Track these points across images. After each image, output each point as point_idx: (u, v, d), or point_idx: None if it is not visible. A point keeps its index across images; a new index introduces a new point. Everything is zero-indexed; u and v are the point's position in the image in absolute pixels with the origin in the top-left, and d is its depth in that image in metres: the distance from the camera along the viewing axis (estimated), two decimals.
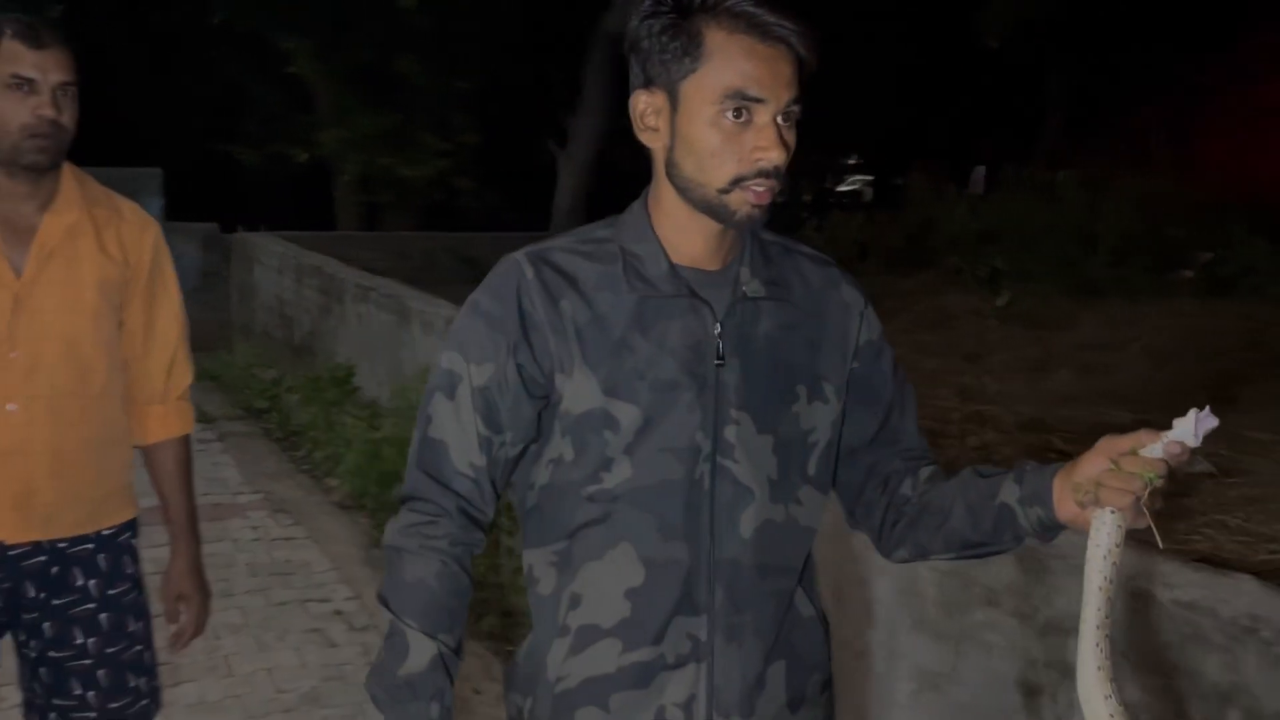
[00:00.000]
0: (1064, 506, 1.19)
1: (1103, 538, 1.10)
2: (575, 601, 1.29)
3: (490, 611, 4.02)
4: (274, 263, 7.78)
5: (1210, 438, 3.63)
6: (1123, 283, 6.78)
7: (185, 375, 2.13)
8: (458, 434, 1.27)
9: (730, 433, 1.27)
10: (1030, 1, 8.90)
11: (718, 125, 1.19)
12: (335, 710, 3.33)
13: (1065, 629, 2.19)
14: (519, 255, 1.29)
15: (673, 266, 1.28)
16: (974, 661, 2.40)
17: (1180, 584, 2.05)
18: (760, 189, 1.21)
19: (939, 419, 4.15)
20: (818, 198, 17.32)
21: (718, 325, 1.27)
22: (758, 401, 1.28)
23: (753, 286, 1.30)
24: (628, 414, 1.24)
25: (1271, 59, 14.54)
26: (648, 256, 1.28)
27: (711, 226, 1.26)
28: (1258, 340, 5.24)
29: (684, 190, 1.24)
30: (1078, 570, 2.10)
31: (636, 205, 1.33)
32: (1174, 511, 3.18)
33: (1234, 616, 1.91)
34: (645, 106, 1.25)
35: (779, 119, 1.20)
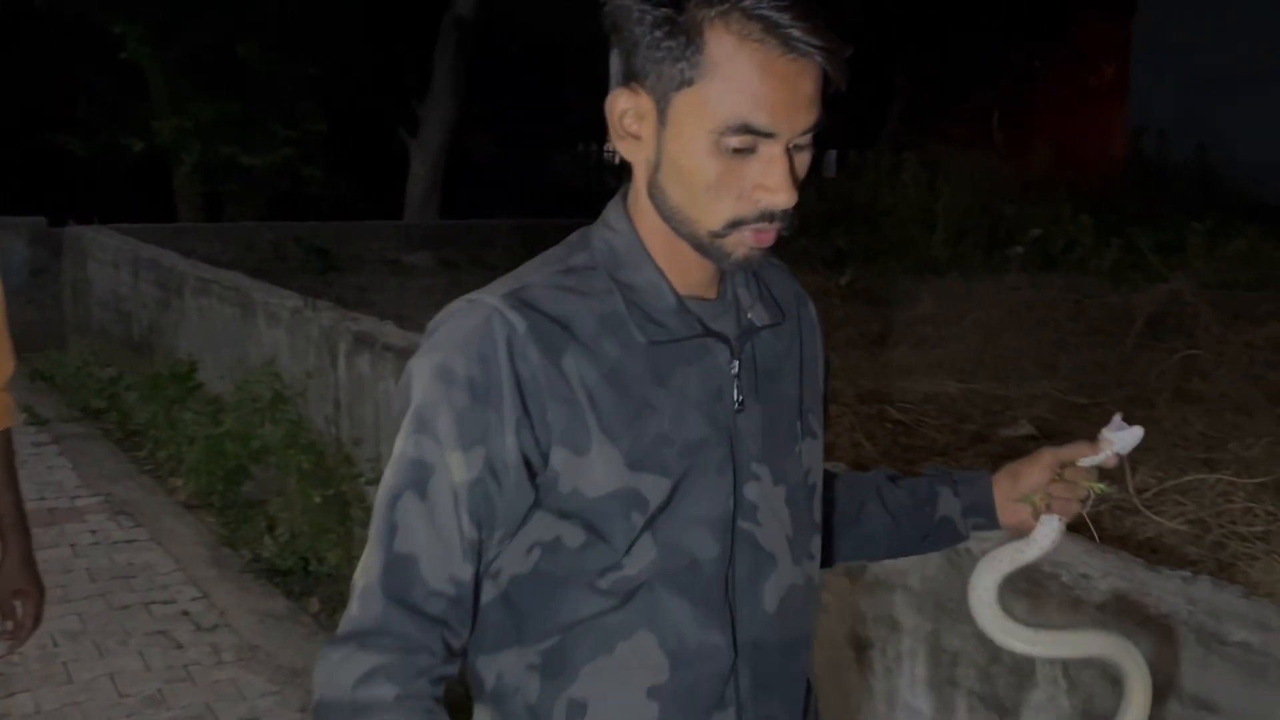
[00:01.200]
0: (1007, 514, 1.25)
1: (1047, 541, 1.20)
2: (578, 710, 1.05)
3: (344, 604, 3.97)
4: (109, 257, 7.45)
5: (1032, 402, 3.83)
6: (960, 260, 7.08)
7: (6, 366, 2.04)
8: (433, 544, 0.98)
9: (752, 490, 1.08)
10: None
11: (715, 155, 0.97)
12: (181, 711, 3.25)
13: (890, 586, 2.31)
14: (493, 300, 1.00)
15: (680, 300, 1.05)
16: None
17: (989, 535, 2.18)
18: (763, 231, 1.00)
19: None
20: None
21: (735, 363, 1.08)
22: (772, 449, 1.10)
23: (756, 312, 1.11)
24: (656, 488, 1.02)
25: (1096, 47, 15.39)
26: (648, 289, 1.05)
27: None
28: (1079, 311, 5.55)
29: (669, 219, 1.03)
30: None
31: (618, 220, 1.07)
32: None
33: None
34: (626, 108, 1.01)
35: (791, 147, 0.98)
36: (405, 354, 4.06)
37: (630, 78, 1.00)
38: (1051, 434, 3.77)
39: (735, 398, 1.07)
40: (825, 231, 7.73)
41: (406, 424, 1.00)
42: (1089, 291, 5.79)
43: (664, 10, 0.96)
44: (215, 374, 5.60)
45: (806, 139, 0.99)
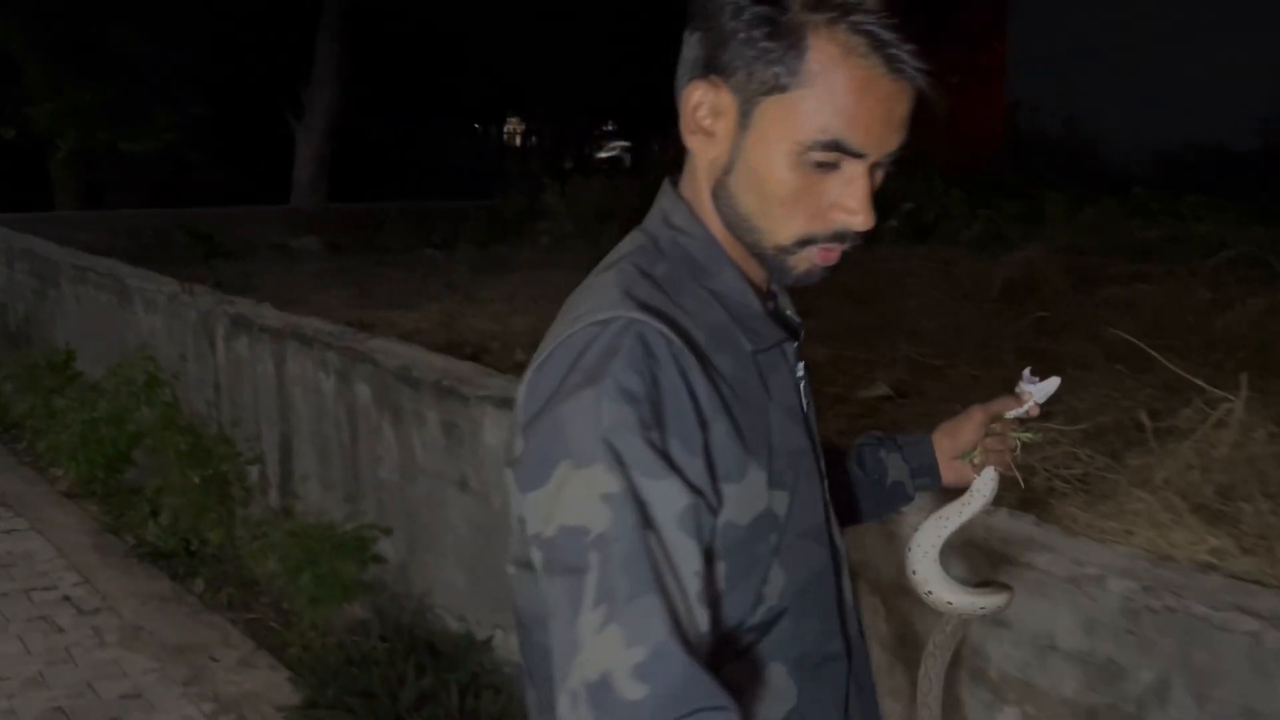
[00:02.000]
0: (949, 473, 1.29)
1: (987, 491, 1.27)
2: None
3: (228, 582, 4.02)
4: None
5: (892, 365, 4.07)
6: None
7: None
8: (672, 590, 0.82)
9: (826, 489, 1.06)
10: None
11: (796, 168, 0.92)
12: (62, 690, 3.28)
13: None
14: (636, 315, 0.90)
15: (763, 304, 1.01)
16: None
17: None
18: (831, 250, 0.97)
19: None
20: (578, 164, 17.59)
21: (800, 365, 1.05)
22: (819, 444, 1.08)
23: (794, 312, 1.11)
24: (782, 505, 0.97)
25: (976, 26, 15.87)
26: (736, 295, 0.99)
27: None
28: (946, 278, 5.82)
29: (734, 224, 0.97)
30: None
31: (687, 222, 0.99)
32: (857, 429, 3.56)
33: None
34: (702, 101, 0.95)
35: (874, 169, 0.94)
36: (283, 335, 4.11)
37: (712, 70, 0.93)
38: (907, 394, 3.99)
39: (806, 400, 1.05)
40: None
41: (592, 465, 0.84)
42: (954, 260, 6.06)
43: (766, 8, 0.90)
44: (93, 362, 5.54)
45: (889, 159, 0.95)
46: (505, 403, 3.13)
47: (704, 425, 0.89)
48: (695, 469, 0.87)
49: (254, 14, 10.84)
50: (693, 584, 0.83)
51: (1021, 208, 6.84)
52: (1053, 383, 1.23)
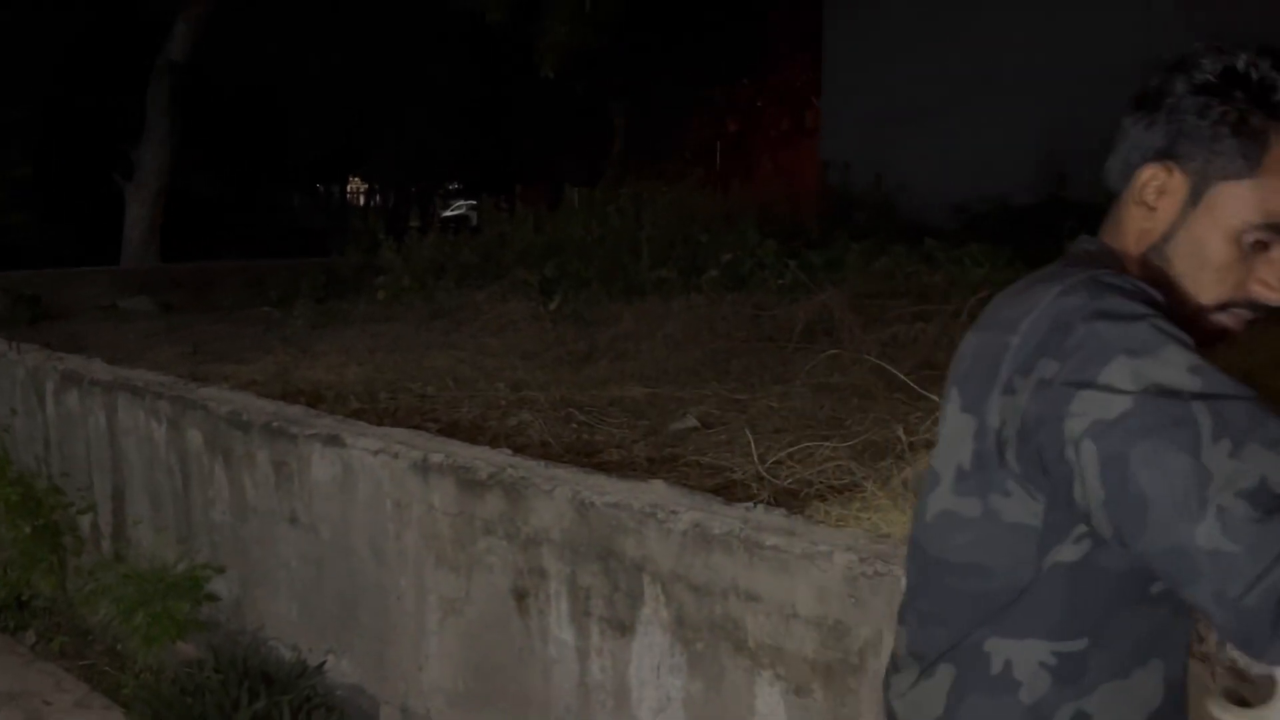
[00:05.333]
0: None
1: None
2: None
3: (61, 632, 4.08)
4: None
5: (702, 400, 4.50)
6: (662, 283, 7.78)
7: None
8: None
9: None
10: (577, 34, 9.86)
11: (1233, 243, 1.07)
12: None
13: (539, 541, 2.78)
14: (1110, 278, 1.03)
15: None
16: (480, 582, 2.93)
17: (610, 491, 2.69)
18: (1241, 316, 1.10)
19: (490, 405, 4.71)
20: (425, 223, 17.81)
21: None
22: None
23: None
24: None
25: (796, 89, 16.88)
26: None
27: None
28: (755, 322, 6.31)
29: (1162, 283, 1.09)
30: (545, 495, 2.70)
31: (1127, 283, 1.05)
32: (665, 457, 3.92)
33: (641, 507, 2.57)
34: (1152, 180, 1.11)
35: None
36: (114, 388, 4.22)
37: (1168, 156, 1.09)
38: (713, 425, 4.39)
39: None
40: (542, 262, 8.28)
41: (1162, 348, 0.96)
42: (764, 306, 6.56)
43: (1234, 112, 1.05)
44: None
45: None
46: (333, 440, 3.37)
47: None
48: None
49: (82, 74, 10.73)
50: None
51: (826, 257, 7.43)
52: None
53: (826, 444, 3.73)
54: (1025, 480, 1.03)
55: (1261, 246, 1.07)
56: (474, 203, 20.79)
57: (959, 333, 4.61)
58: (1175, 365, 0.94)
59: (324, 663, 3.41)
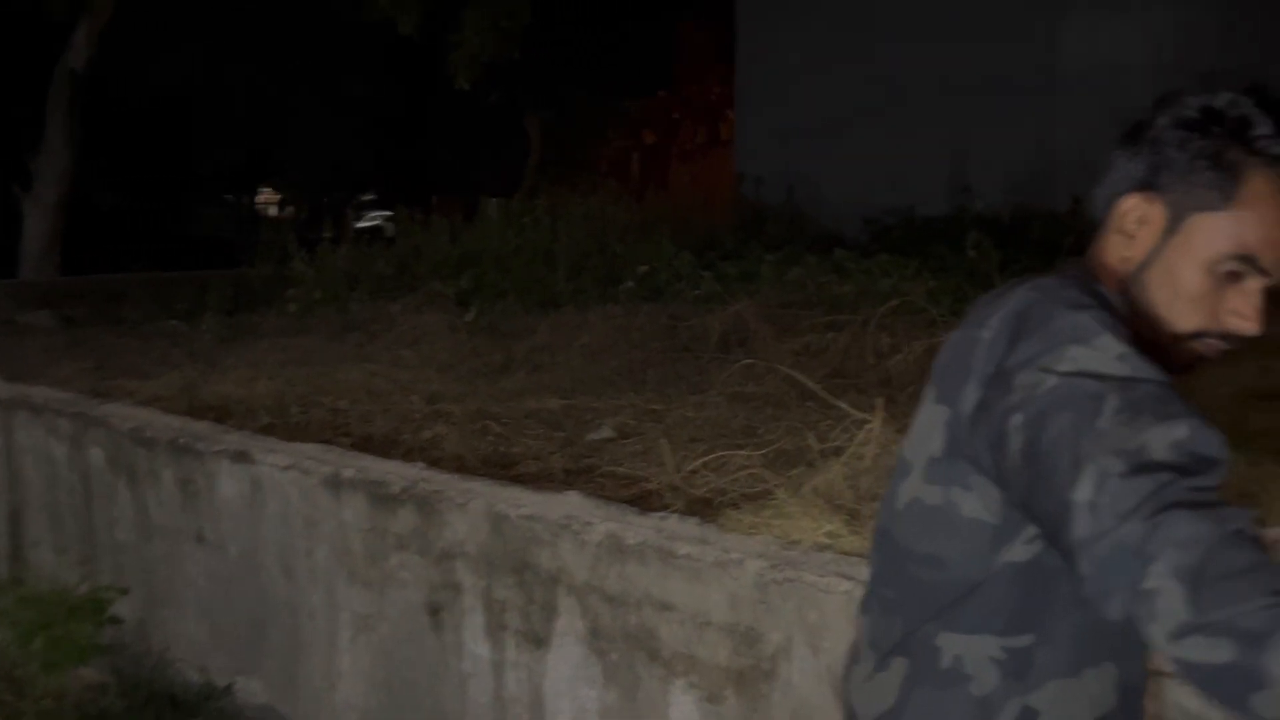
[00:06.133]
0: None
1: None
2: (1029, 717, 1.11)
3: None
4: None
5: (618, 411, 4.49)
6: (579, 294, 7.78)
7: None
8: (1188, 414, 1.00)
9: None
10: (491, 45, 9.84)
11: (1207, 273, 1.10)
12: None
13: (452, 555, 2.76)
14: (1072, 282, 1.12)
15: None
16: (394, 597, 2.91)
17: (526, 504, 2.69)
18: (1215, 346, 1.13)
19: (404, 418, 4.66)
20: (338, 234, 17.61)
21: None
22: None
23: None
24: None
25: (713, 104, 17.06)
26: None
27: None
28: (671, 333, 6.35)
29: (1140, 310, 1.13)
30: (459, 509, 2.68)
31: (1088, 281, 1.14)
32: (582, 468, 3.93)
33: (556, 519, 2.58)
34: (1133, 210, 1.14)
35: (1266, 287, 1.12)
36: (12, 405, 4.09)
37: (1149, 187, 1.13)
38: (629, 435, 4.41)
39: None
40: (458, 274, 8.23)
41: (1097, 337, 1.02)
42: (680, 316, 6.61)
43: (1212, 146, 1.09)
44: None
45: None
46: (241, 456, 3.31)
47: None
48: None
49: None
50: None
51: (741, 268, 7.52)
52: None
53: (741, 453, 3.77)
54: (983, 470, 1.08)
55: (1235, 277, 1.10)
56: (389, 214, 20.59)
57: (868, 342, 4.73)
58: (1105, 351, 1.00)
59: (233, 684, 3.34)
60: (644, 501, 3.31)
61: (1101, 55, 9.00)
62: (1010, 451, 1.02)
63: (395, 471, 3.00)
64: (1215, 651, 0.83)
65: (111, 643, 3.62)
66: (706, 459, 3.71)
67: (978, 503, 1.08)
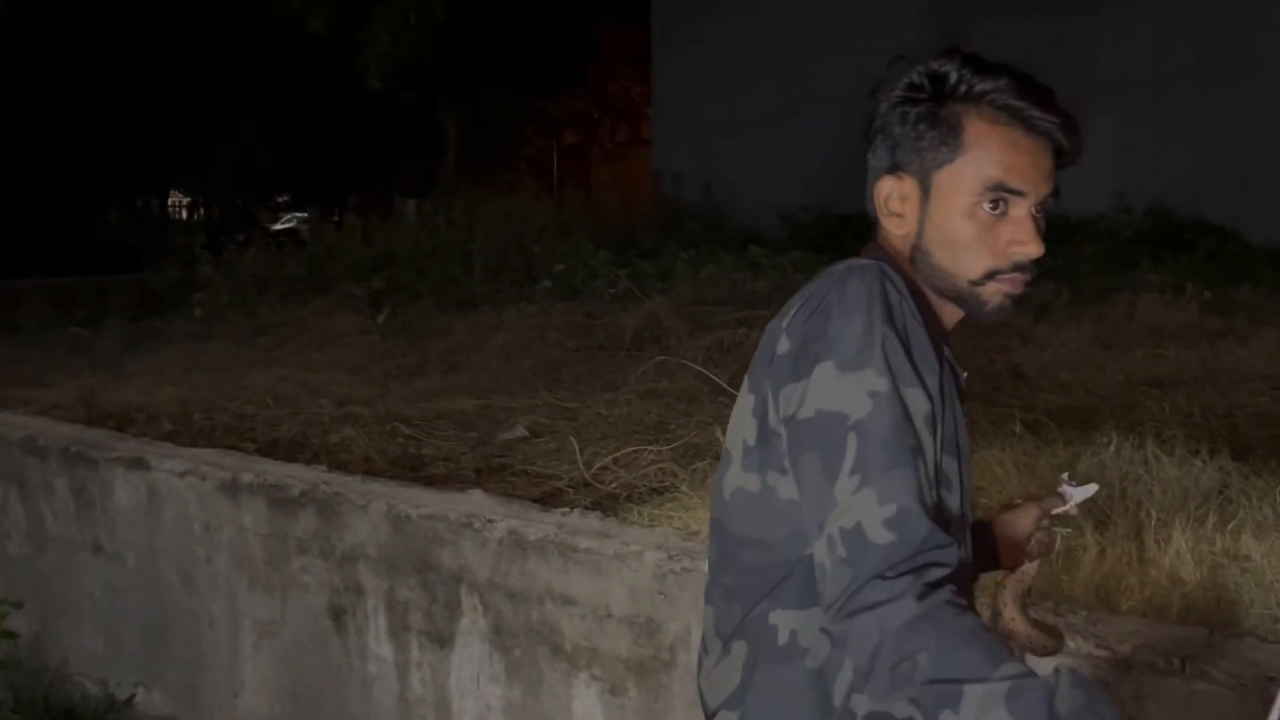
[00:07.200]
0: (1005, 558, 1.41)
1: (1027, 576, 1.42)
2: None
3: None
4: None
5: (532, 410, 4.48)
6: (495, 294, 7.73)
7: None
8: (919, 468, 1.07)
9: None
10: (402, 44, 9.73)
11: (974, 216, 1.17)
12: None
13: (354, 558, 2.73)
14: (886, 269, 1.16)
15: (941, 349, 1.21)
16: (296, 602, 2.86)
17: (427, 503, 2.67)
18: (1015, 280, 1.19)
19: (312, 422, 4.59)
20: (248, 237, 17.28)
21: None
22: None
23: (960, 368, 1.27)
24: (955, 502, 1.19)
25: (628, 103, 17.10)
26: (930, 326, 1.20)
27: (955, 312, 1.23)
28: (587, 331, 6.35)
29: (931, 278, 1.20)
30: (360, 510, 2.63)
31: (890, 263, 1.19)
32: (494, 467, 3.91)
33: (457, 518, 2.56)
34: (891, 192, 1.21)
35: (1034, 210, 1.18)
36: None
37: (895, 168, 1.20)
38: (542, 434, 4.39)
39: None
40: (371, 275, 8.13)
41: (862, 369, 1.07)
42: (596, 314, 6.61)
43: (924, 107, 1.18)
44: None
45: (1049, 201, 1.19)
46: (138, 463, 3.22)
47: (931, 365, 1.13)
48: (933, 385, 1.11)
49: None
50: (931, 468, 1.08)
51: (657, 266, 7.54)
52: (1091, 488, 1.41)
53: (651, 448, 3.79)
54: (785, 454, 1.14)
55: (1000, 211, 1.17)
56: (304, 215, 20.25)
57: None
58: (859, 385, 1.07)
59: (133, 696, 3.26)
60: (554, 499, 3.30)
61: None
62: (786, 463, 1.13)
63: (296, 475, 2.96)
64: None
65: (6, 658, 3.50)
66: (617, 455, 3.72)
67: (791, 485, 1.13)
